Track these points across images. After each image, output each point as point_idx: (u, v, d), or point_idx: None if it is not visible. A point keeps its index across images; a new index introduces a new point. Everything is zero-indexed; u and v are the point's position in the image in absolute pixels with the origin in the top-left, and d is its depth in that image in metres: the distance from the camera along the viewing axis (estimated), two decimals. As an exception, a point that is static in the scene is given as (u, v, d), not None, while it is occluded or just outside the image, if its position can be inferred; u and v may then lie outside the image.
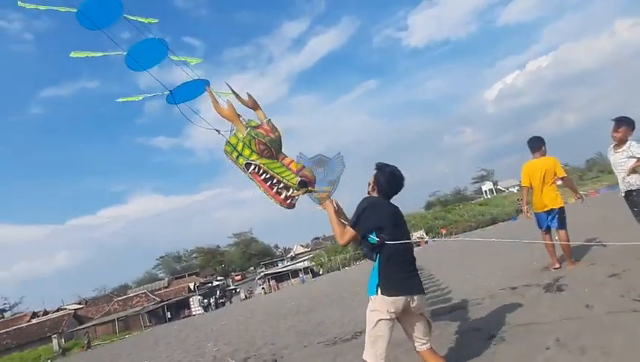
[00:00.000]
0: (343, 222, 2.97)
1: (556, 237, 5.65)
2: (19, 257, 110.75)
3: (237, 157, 3.34)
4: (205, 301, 39.26)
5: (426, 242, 27.84)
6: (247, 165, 3.30)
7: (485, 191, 71.75)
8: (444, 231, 40.84)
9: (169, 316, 36.79)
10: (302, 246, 73.21)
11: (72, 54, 3.38)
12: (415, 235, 42.07)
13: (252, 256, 75.07)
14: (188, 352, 9.75)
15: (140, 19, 3.46)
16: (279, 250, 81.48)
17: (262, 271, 51.27)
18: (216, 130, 3.49)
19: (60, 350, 29.26)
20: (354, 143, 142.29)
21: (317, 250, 54.61)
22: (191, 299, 39.96)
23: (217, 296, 42.12)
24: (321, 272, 41.58)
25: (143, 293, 41.91)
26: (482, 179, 77.63)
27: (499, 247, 10.60)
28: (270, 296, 30.52)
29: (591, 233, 7.60)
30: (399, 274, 2.73)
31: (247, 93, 3.41)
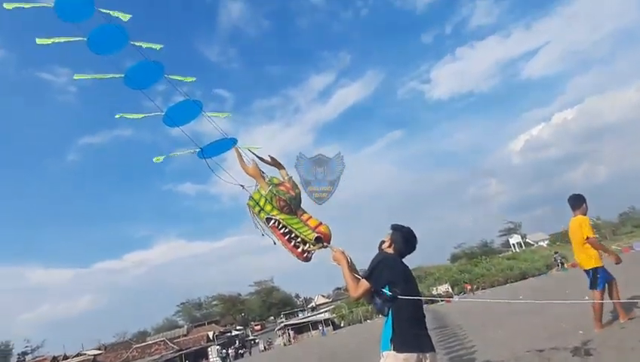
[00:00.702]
0: (356, 276, 3.07)
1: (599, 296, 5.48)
2: (44, 300, 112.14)
3: (259, 211, 3.58)
4: (224, 351, 38.46)
5: (451, 298, 26.93)
6: (268, 219, 3.53)
7: (513, 245, 69.57)
8: (469, 287, 39.40)
9: (186, 366, 36.10)
10: (323, 296, 71.66)
11: (118, 116, 3.77)
12: (440, 289, 40.81)
13: (272, 306, 73.82)
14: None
15: (179, 78, 3.80)
16: (300, 299, 79.92)
17: (282, 322, 50.19)
18: (241, 186, 3.75)
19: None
20: (378, 193, 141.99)
21: (338, 301, 53.43)
22: (209, 349, 39.24)
23: (236, 347, 41.22)
24: (342, 324, 40.41)
25: (161, 341, 41.46)
26: (509, 231, 75.57)
27: (526, 304, 10.26)
28: (289, 349, 29.72)
29: (625, 292, 7.34)
30: (412, 330, 2.79)
31: (269, 156, 3.71)
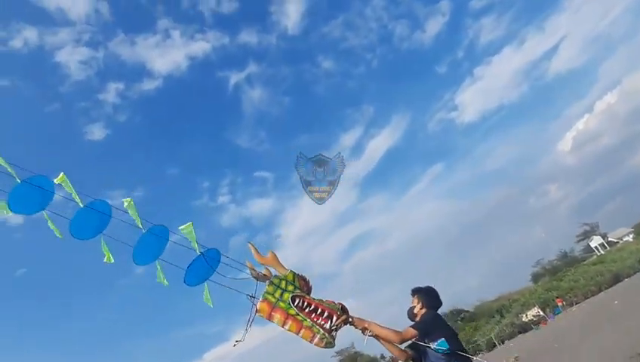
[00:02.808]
0: (391, 329, 3.26)
1: None
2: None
3: (281, 294, 3.49)
4: None
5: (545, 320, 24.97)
6: (293, 299, 3.45)
7: (596, 248, 64.24)
8: (560, 303, 36.38)
9: None
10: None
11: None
12: (530, 314, 37.95)
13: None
14: None
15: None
16: (386, 359, 76.12)
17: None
18: (257, 278, 3.63)
19: None
20: (433, 230, 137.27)
21: (426, 352, 50.50)
22: None
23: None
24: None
25: None
26: (587, 234, 70.07)
27: (622, 308, 9.55)
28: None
29: None
30: None
31: (270, 251, 3.69)
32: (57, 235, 3.26)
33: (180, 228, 3.57)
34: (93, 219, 3.28)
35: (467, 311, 55.63)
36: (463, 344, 3.27)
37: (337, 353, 74.40)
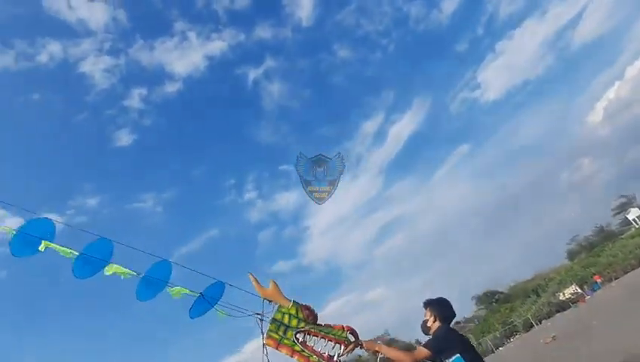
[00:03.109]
0: (401, 351, 3.39)
1: None
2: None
3: (284, 331, 3.40)
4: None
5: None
6: (297, 336, 3.37)
7: (634, 220, 61.87)
8: (599, 279, 35.31)
9: None
10: (444, 334, 67.51)
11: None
12: (567, 292, 37.03)
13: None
14: None
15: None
16: (421, 344, 75.95)
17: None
18: (257, 314, 3.52)
19: None
20: (463, 212, 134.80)
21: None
22: (347, 419, 38.19)
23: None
24: (474, 359, 37.72)
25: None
26: (624, 207, 67.45)
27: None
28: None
29: None
30: None
31: (272, 281, 3.55)
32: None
33: (169, 291, 3.54)
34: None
35: (502, 293, 54.76)
36: (478, 353, 3.26)
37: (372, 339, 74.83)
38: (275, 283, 3.52)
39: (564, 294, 37.70)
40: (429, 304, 3.45)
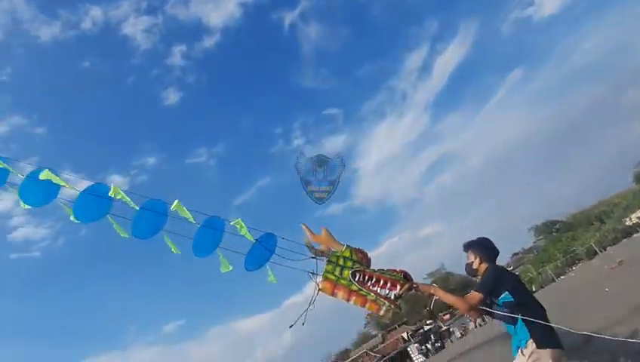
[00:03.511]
0: (454, 294, 3.34)
1: None
2: (256, 344, 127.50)
3: (340, 271, 3.52)
4: (423, 347, 38.92)
5: None
6: (354, 274, 3.47)
7: None
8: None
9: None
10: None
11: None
12: (633, 217, 35.28)
13: (453, 291, 71.86)
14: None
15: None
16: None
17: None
18: (313, 257, 3.64)
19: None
20: (519, 142, 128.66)
21: (520, 266, 49.76)
22: (409, 349, 40.11)
23: (433, 341, 41.34)
24: (533, 289, 37.57)
25: (364, 353, 43.85)
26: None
27: None
28: (484, 329, 28.76)
29: None
30: (549, 327, 2.95)
31: (323, 229, 3.65)
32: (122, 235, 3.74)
33: (231, 223, 3.69)
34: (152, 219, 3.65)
35: (562, 222, 53.18)
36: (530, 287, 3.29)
37: (428, 275, 76.38)
38: (327, 230, 3.65)
39: (630, 219, 35.96)
40: (470, 246, 3.41)
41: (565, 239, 43.84)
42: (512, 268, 62.15)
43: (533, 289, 37.20)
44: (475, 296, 3.08)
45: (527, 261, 49.68)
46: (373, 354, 42.24)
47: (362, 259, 3.52)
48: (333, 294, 3.52)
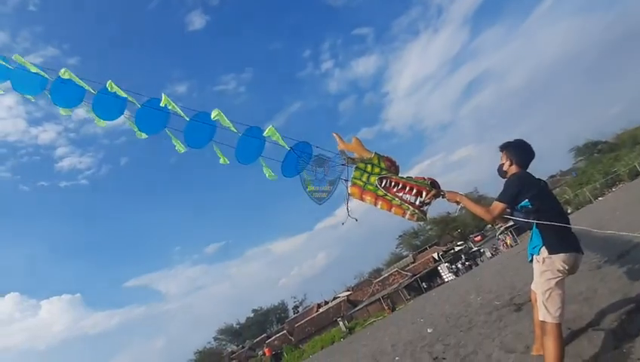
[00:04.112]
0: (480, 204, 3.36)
1: None
2: (292, 264, 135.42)
3: (368, 177, 3.64)
4: (453, 266, 40.18)
5: None
6: (380, 180, 3.58)
7: None
8: None
9: (425, 286, 39.22)
10: (537, 189, 66.45)
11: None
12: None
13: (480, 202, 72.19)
14: (455, 305, 10.70)
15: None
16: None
17: (500, 226, 49.00)
18: (344, 164, 3.84)
19: (347, 330, 34.80)
20: (564, 57, 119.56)
21: (557, 188, 48.86)
22: (439, 268, 41.52)
23: (463, 260, 42.49)
24: (569, 211, 37.15)
25: (395, 271, 45.83)
26: None
27: None
28: (517, 249, 29.17)
29: None
30: (563, 232, 2.97)
31: (354, 138, 3.83)
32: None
33: (264, 134, 3.85)
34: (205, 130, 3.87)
35: (605, 142, 50.87)
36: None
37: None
38: (358, 138, 3.81)
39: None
40: (505, 147, 3.33)
41: (607, 160, 42.16)
42: (547, 190, 61.16)
43: (569, 211, 36.90)
44: (497, 206, 3.11)
45: (564, 183, 48.59)
46: (404, 272, 44.11)
47: (390, 167, 3.65)
48: (361, 198, 3.68)
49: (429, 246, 59.77)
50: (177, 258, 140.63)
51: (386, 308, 35.81)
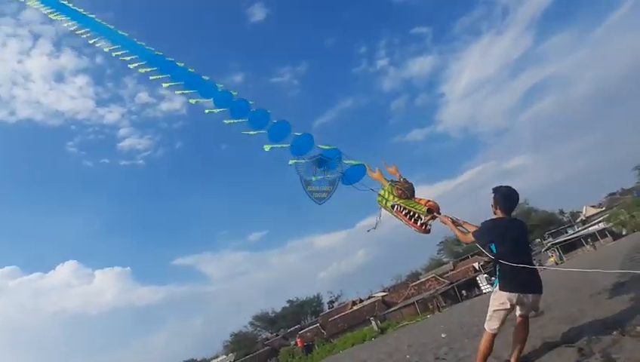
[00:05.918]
0: (461, 230, 4.25)
1: None
2: (331, 259, 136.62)
3: (385, 202, 4.92)
4: (492, 278, 39.37)
5: None
6: (393, 206, 4.80)
7: None
8: None
9: (464, 295, 38.83)
10: (593, 206, 63.02)
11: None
12: None
13: (534, 228, 69.37)
14: (475, 315, 11.05)
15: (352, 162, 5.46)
16: (565, 215, 72.48)
17: (549, 242, 47.25)
18: (371, 189, 5.20)
19: (379, 329, 35.19)
20: (635, 69, 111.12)
21: (613, 208, 46.31)
22: (478, 278, 40.83)
23: (504, 273, 41.50)
24: (623, 233, 35.30)
25: (432, 277, 45.52)
26: None
27: None
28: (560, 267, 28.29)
29: None
30: (514, 275, 3.68)
31: (394, 164, 5.06)
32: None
33: (320, 146, 5.25)
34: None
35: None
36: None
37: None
38: (380, 170, 5.14)
39: None
40: (494, 191, 4.01)
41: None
42: (603, 208, 57.96)
43: (623, 233, 35.01)
44: (469, 237, 4.07)
45: (621, 203, 45.94)
46: (442, 279, 43.76)
47: (401, 196, 4.74)
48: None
49: (471, 256, 58.44)
50: (222, 242, 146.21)
51: (431, 307, 36.05)
